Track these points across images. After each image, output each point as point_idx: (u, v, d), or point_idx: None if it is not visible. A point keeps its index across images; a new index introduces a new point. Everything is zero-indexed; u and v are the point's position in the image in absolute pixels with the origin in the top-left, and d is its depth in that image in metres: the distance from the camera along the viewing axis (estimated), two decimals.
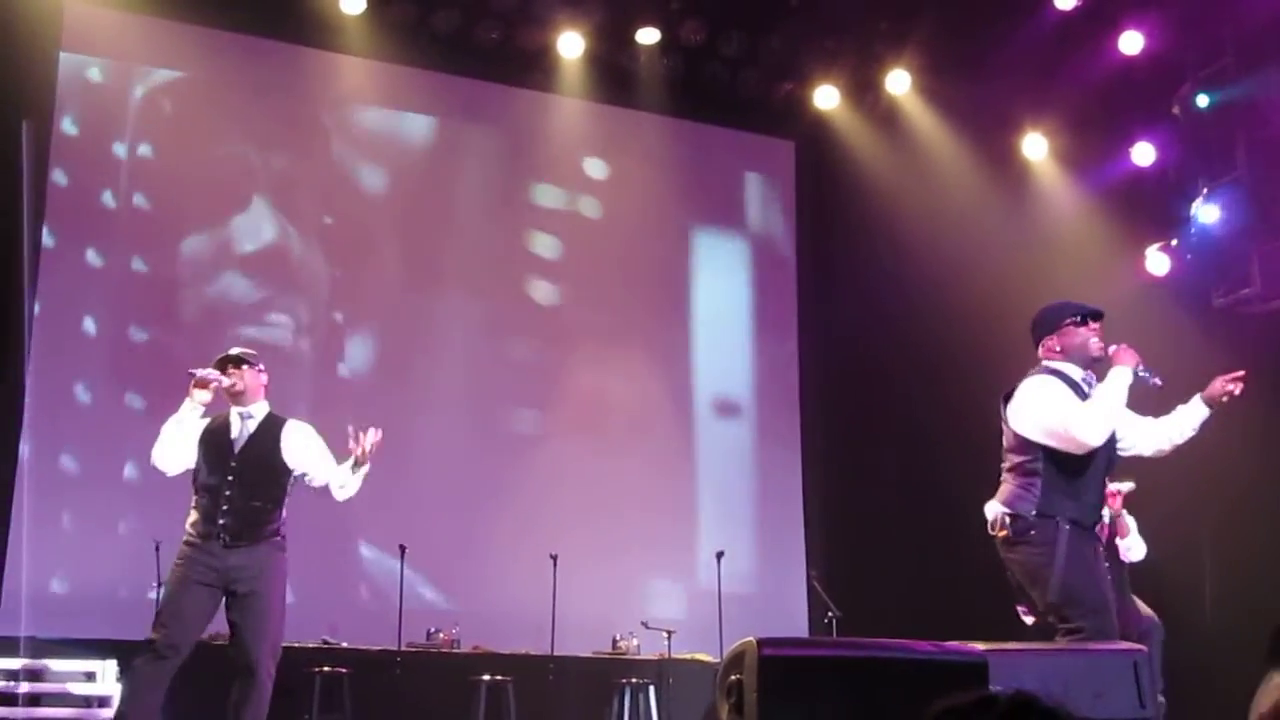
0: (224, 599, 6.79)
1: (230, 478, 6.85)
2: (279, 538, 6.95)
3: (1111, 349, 6.08)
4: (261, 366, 7.17)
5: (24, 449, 10.85)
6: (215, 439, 6.95)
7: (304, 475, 7.02)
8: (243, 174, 12.30)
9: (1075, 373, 6.08)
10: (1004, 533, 5.95)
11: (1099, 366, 6.12)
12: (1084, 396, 5.98)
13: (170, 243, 11.93)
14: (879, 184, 13.23)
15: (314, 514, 11.74)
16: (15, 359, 10.95)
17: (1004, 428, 6.14)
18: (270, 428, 7.04)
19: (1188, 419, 6.16)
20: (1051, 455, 5.93)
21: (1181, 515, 9.91)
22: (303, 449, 7.05)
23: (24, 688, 8.63)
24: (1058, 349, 6.14)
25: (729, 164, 14.45)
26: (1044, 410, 5.93)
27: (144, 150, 11.93)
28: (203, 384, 6.85)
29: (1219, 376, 6.16)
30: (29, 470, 10.81)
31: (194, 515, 6.87)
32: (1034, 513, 5.88)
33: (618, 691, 10.77)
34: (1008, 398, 6.13)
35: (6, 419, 10.89)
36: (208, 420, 6.98)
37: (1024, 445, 6.00)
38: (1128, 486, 8.70)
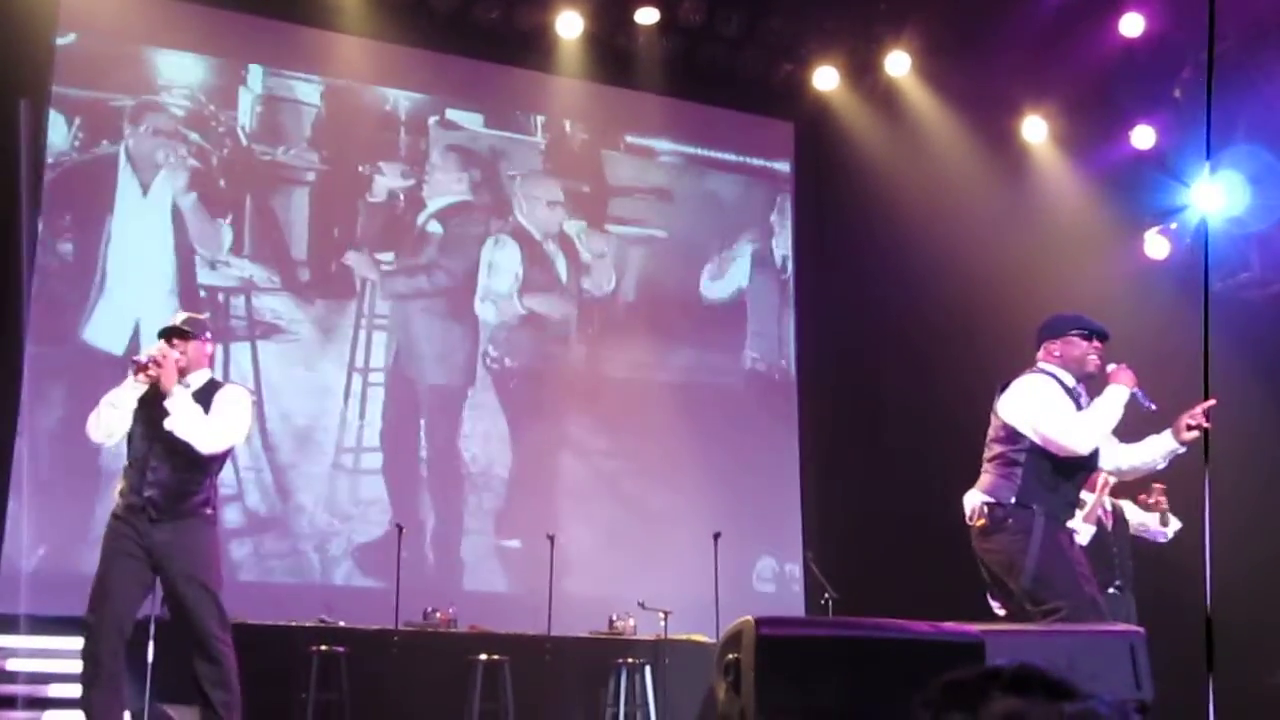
0: (156, 576, 6.67)
1: (158, 447, 6.71)
2: (209, 510, 6.81)
3: (1110, 368, 6.25)
4: (208, 335, 7.05)
5: (22, 427, 10.84)
6: (147, 409, 6.78)
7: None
8: (239, 152, 12.28)
9: (1068, 380, 6.25)
10: (981, 521, 6.11)
11: (1092, 384, 6.31)
12: (1075, 404, 6.17)
13: (168, 220, 11.90)
14: (878, 166, 13.22)
15: (312, 494, 11.82)
16: (15, 336, 10.94)
17: (993, 418, 6.28)
18: (204, 396, 6.83)
19: (1156, 450, 6.32)
20: (1036, 449, 6.09)
21: (1179, 501, 9.91)
22: (214, 412, 6.82)
23: (23, 665, 8.63)
24: (1057, 354, 6.30)
25: (728, 145, 14.42)
26: (1041, 410, 6.10)
27: (140, 127, 11.89)
28: (143, 369, 6.71)
29: (1185, 413, 6.23)
30: (28, 448, 10.81)
31: (121, 485, 6.79)
32: (1013, 500, 6.03)
33: (614, 672, 10.79)
34: (1003, 388, 6.23)
35: (4, 397, 10.88)
36: (145, 388, 6.80)
37: (1011, 436, 6.16)
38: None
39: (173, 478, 6.71)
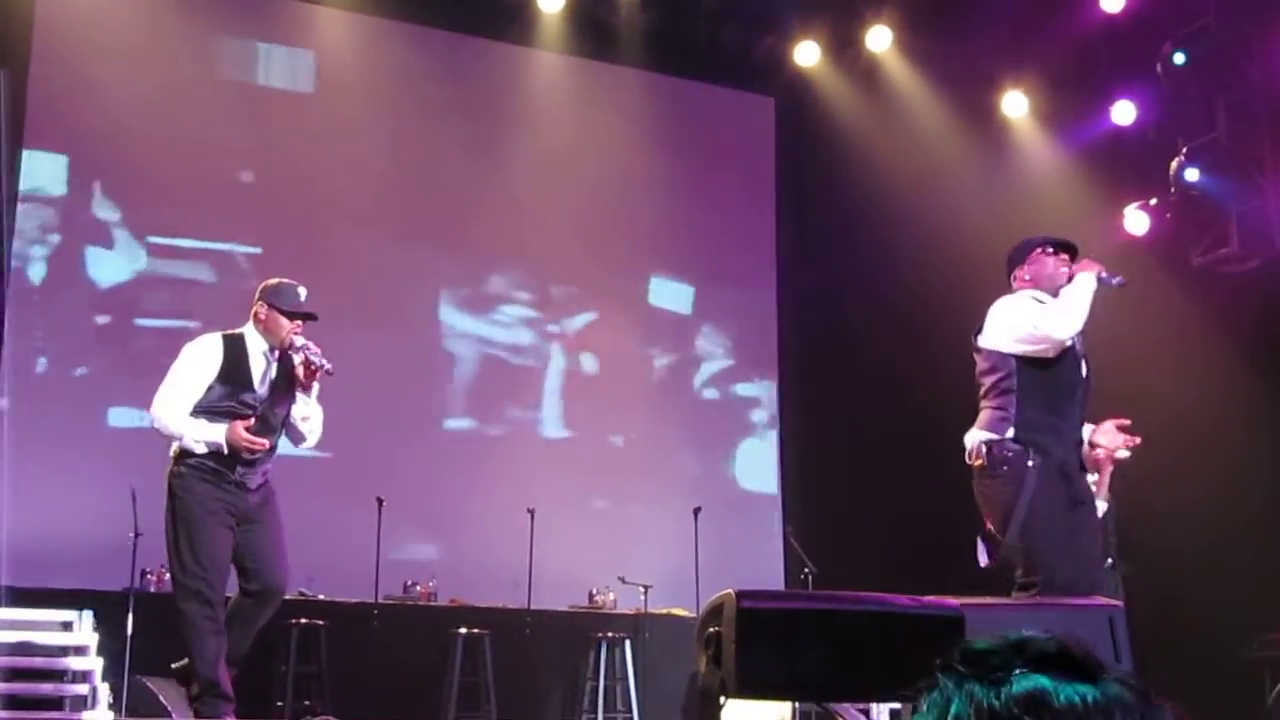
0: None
1: (272, 406, 6.80)
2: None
3: (1072, 269, 6.15)
4: None
5: (2, 398, 10.80)
6: (246, 372, 6.75)
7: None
8: (216, 125, 12.23)
9: (1044, 299, 6.11)
10: (979, 462, 5.97)
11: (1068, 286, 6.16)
12: None
13: (145, 195, 11.86)
14: (859, 141, 13.21)
15: (290, 466, 11.78)
16: None
17: (975, 357, 6.19)
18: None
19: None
20: (1025, 368, 5.98)
21: (1159, 477, 9.95)
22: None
23: (1, 637, 8.61)
24: (1027, 277, 6.21)
25: (709, 120, 14.41)
26: (1012, 317, 6.02)
27: (120, 97, 11.83)
28: (315, 374, 6.77)
29: (1100, 436, 6.30)
30: (6, 421, 10.77)
31: (225, 455, 6.63)
32: (1011, 434, 5.90)
33: (594, 645, 10.83)
34: (978, 332, 6.18)
35: None
36: (215, 345, 6.77)
37: (997, 363, 6.05)
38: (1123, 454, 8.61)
39: (275, 440, 6.88)
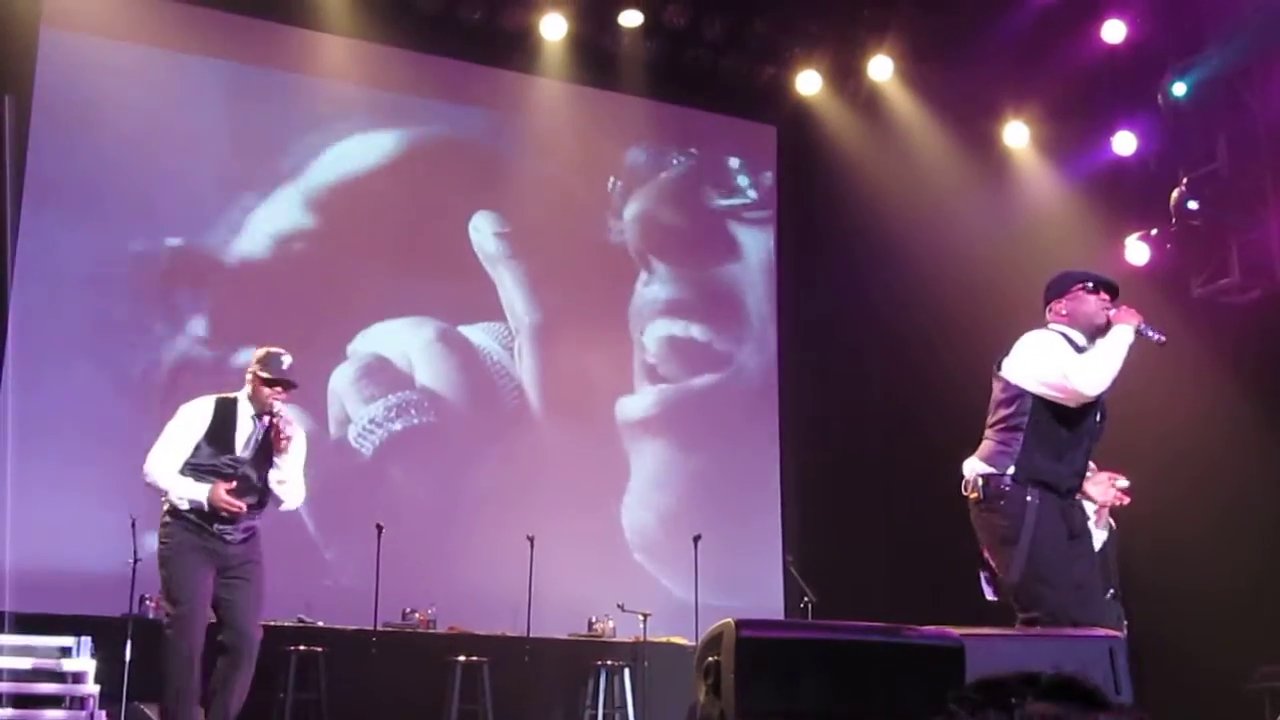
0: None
1: (246, 468, 7.03)
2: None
3: (1111, 312, 5.91)
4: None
5: (6, 427, 10.79)
6: (228, 434, 7.04)
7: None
8: (222, 151, 12.25)
9: (1078, 338, 5.92)
10: (975, 495, 5.84)
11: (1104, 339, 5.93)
12: None
13: (149, 220, 11.88)
14: (860, 169, 13.24)
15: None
16: None
17: (994, 381, 5.98)
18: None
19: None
20: (1039, 411, 5.80)
21: (1160, 504, 9.95)
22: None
23: (1, 663, 8.61)
24: (1064, 312, 5.98)
25: (710, 147, 14.43)
26: (1042, 358, 5.81)
27: (123, 123, 11.85)
28: (284, 441, 7.01)
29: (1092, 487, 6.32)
30: (10, 447, 10.77)
31: (205, 510, 6.93)
32: (1010, 471, 5.75)
33: (593, 673, 10.80)
34: (1002, 359, 6.02)
35: None
36: (206, 407, 7.07)
37: (1013, 398, 5.85)
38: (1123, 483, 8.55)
39: (255, 520, 7.11)
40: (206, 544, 6.86)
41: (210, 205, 12.15)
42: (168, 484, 6.89)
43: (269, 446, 7.06)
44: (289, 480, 7.11)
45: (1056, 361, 5.77)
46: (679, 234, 14.09)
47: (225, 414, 7.05)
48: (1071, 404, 5.78)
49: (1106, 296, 5.98)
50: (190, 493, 6.85)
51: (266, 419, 7.03)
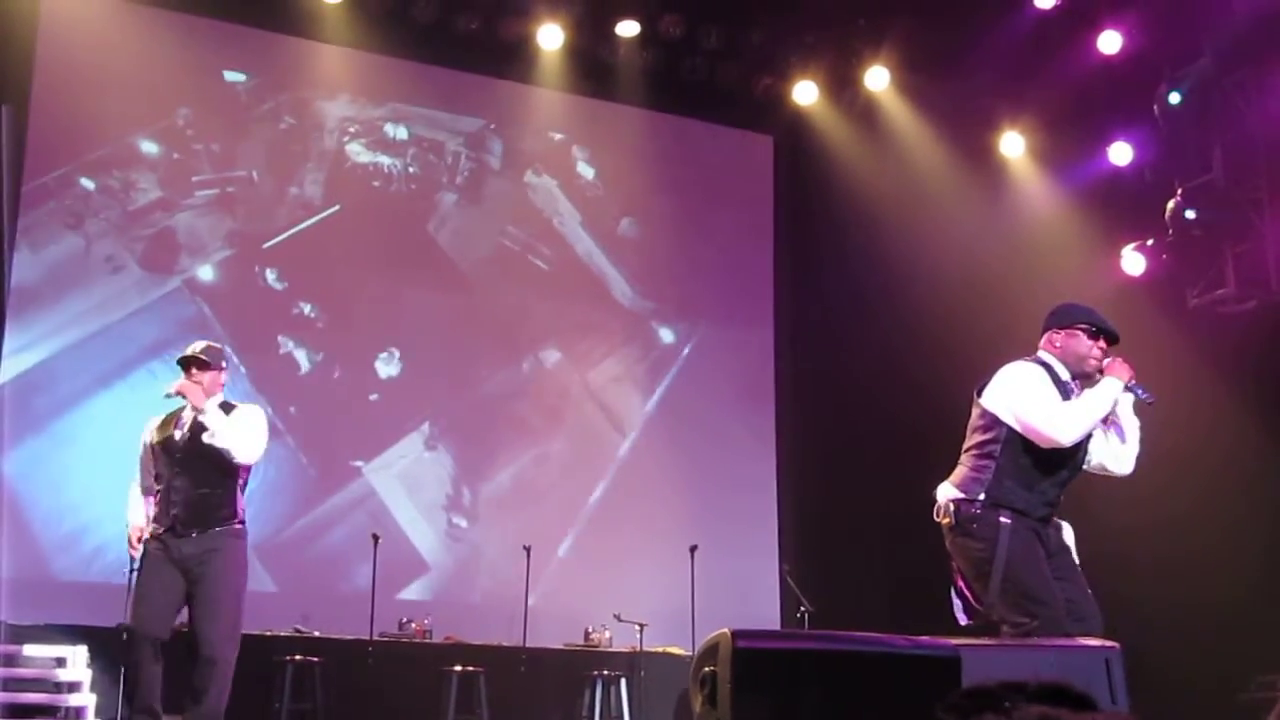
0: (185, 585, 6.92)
1: (180, 469, 6.97)
2: (238, 524, 7.03)
3: (1106, 361, 5.92)
4: (223, 364, 7.22)
5: (2, 434, 10.79)
6: (166, 434, 7.06)
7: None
8: (220, 161, 12.26)
9: (1062, 373, 5.93)
10: (947, 520, 5.86)
11: (1090, 384, 5.95)
12: (1064, 397, 5.86)
13: (146, 228, 11.88)
14: (857, 180, 13.25)
15: (286, 503, 11.77)
16: None
17: (974, 406, 6.00)
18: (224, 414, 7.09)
19: (1125, 419, 6.01)
20: (1014, 441, 5.81)
21: (1159, 519, 9.96)
22: (241, 425, 7.06)
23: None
24: (1058, 345, 5.99)
25: (707, 157, 14.45)
26: (1024, 396, 5.81)
27: (121, 134, 11.87)
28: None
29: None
30: (5, 457, 10.78)
31: (154, 511, 7.01)
32: (981, 497, 5.77)
33: (589, 684, 10.79)
34: (982, 387, 6.03)
35: None
36: (159, 417, 7.16)
37: (989, 425, 5.88)
38: None
39: (195, 494, 6.96)
40: (166, 549, 6.88)
41: (206, 214, 12.13)
42: (127, 512, 7.13)
43: (198, 427, 6.97)
44: (215, 428, 6.89)
45: (1038, 404, 5.79)
46: (675, 243, 14.08)
47: (168, 420, 7.15)
48: (1044, 446, 5.80)
49: (1104, 345, 5.99)
50: (130, 519, 7.08)
51: (188, 410, 7.02)
